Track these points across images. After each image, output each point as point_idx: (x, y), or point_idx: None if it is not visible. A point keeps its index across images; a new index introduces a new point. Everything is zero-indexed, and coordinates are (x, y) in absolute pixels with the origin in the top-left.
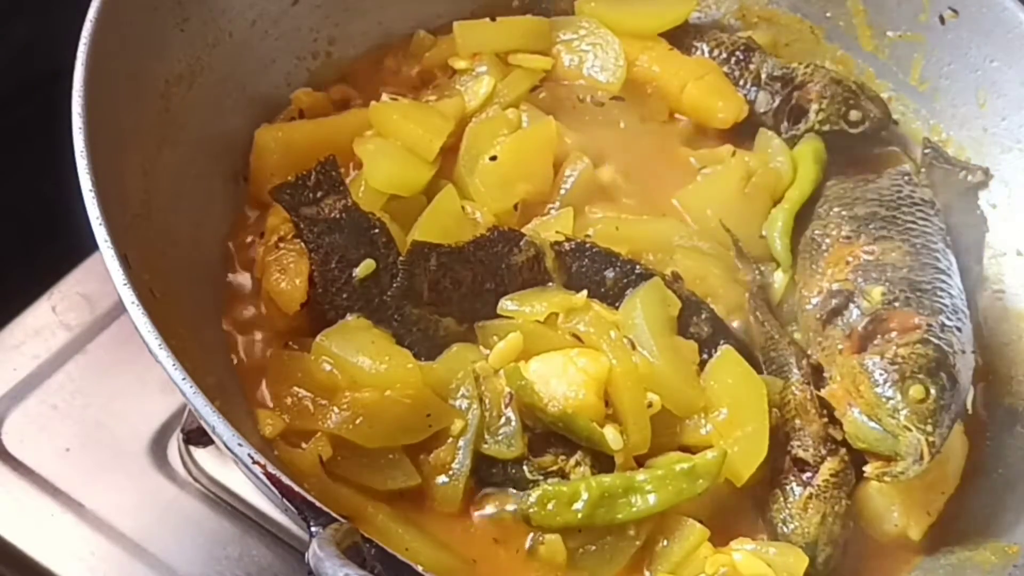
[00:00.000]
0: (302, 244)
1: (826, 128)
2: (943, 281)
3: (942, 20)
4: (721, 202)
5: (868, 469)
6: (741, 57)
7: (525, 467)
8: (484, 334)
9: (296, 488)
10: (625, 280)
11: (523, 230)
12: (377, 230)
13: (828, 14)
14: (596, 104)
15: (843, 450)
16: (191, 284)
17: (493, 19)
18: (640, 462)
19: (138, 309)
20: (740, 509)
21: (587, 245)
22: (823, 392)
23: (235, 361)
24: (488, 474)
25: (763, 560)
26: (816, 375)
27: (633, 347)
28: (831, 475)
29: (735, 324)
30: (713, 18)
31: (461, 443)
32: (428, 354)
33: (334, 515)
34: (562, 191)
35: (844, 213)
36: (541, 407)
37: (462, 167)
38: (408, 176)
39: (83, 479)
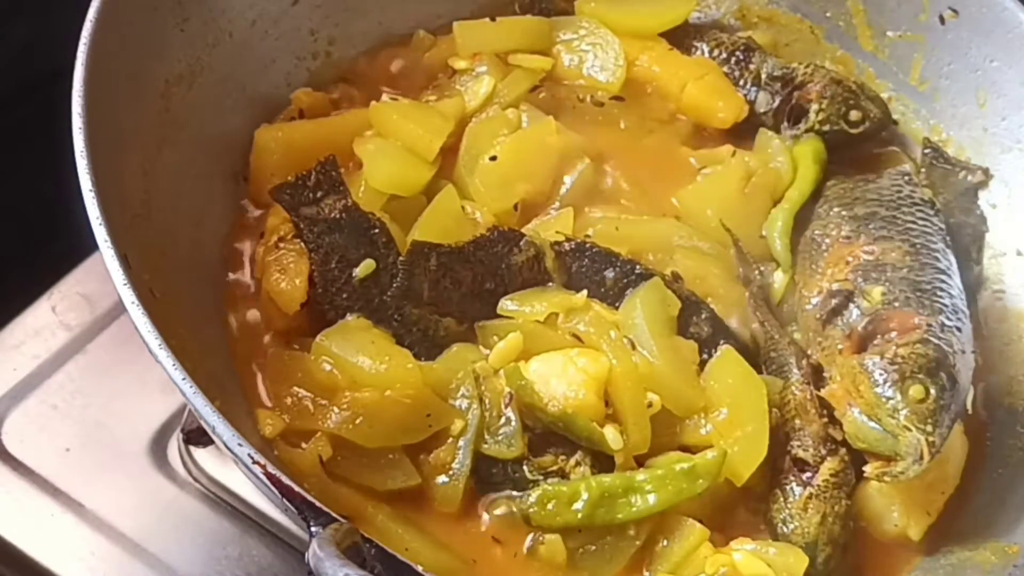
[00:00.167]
0: (302, 244)
1: (826, 128)
2: (943, 281)
3: (942, 20)
4: (721, 202)
5: (868, 469)
6: (741, 57)
7: (525, 467)
8: (484, 334)
9: (296, 488)
10: (625, 280)
11: (523, 230)
12: (377, 230)
13: (828, 14)
14: (596, 104)
15: (843, 450)
16: (191, 284)
17: (493, 19)
18: (640, 462)
19: (138, 309)
20: (740, 509)
21: (587, 245)
22: (823, 392)
23: (235, 361)
24: (488, 474)
25: (763, 560)
26: (816, 375)
27: (633, 347)
28: (831, 475)
29: (735, 324)
30: (713, 18)
31: (461, 443)
32: (428, 354)
33: (334, 515)
34: (562, 191)
35: (844, 213)
36: (541, 407)
37: (462, 167)
38: (408, 176)
39: (83, 479)
